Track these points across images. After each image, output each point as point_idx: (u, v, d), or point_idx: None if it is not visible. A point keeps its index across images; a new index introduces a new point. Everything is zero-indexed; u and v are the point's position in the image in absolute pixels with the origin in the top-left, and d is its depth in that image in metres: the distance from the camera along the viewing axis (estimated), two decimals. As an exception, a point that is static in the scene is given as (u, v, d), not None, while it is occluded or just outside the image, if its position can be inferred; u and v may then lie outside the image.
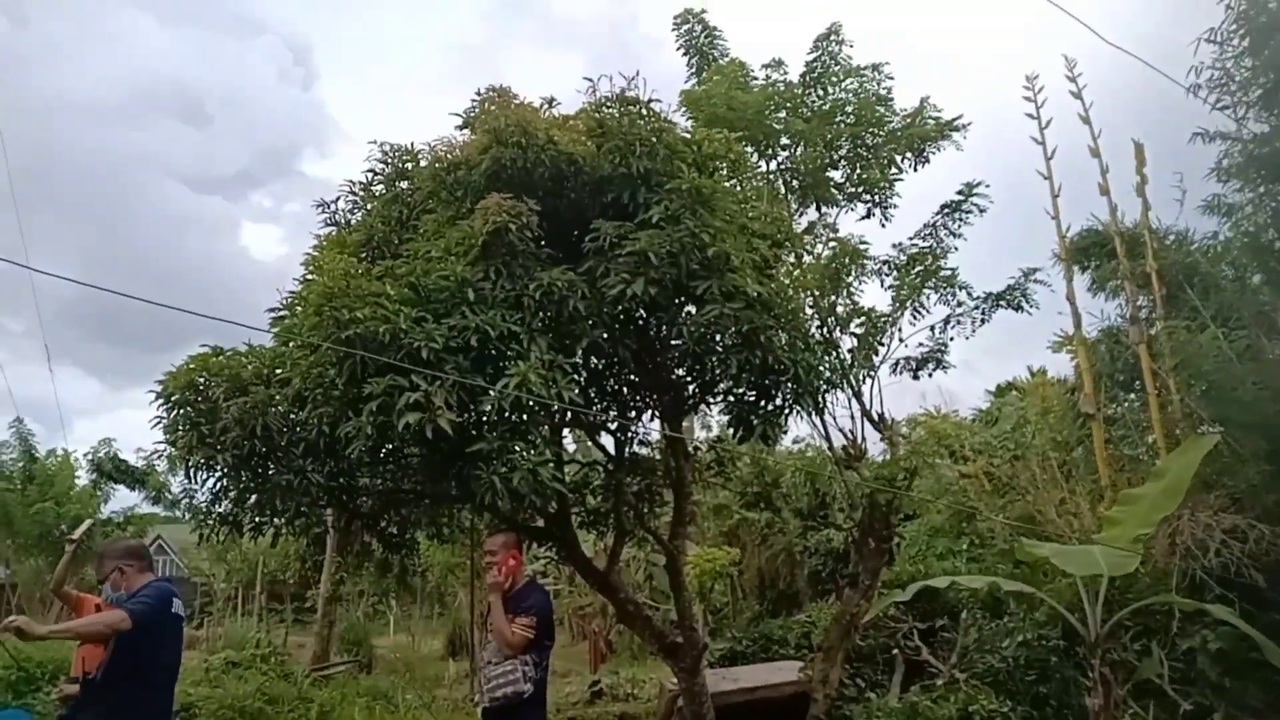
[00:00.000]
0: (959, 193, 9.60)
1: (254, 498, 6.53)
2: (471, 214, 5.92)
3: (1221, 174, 8.43)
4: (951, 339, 9.69)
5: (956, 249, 9.72)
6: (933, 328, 9.68)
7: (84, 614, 6.15)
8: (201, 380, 6.29)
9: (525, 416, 5.66)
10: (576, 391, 6.79)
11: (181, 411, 6.20)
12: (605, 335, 6.57)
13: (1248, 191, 8.37)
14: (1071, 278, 9.49)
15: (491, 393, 5.30)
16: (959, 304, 9.63)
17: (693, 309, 6.38)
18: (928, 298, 9.64)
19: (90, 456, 24.87)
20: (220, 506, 6.64)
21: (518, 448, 5.47)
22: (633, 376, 7.61)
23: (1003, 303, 9.53)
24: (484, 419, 5.46)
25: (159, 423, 6.25)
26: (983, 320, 9.61)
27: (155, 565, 4.94)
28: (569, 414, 7.23)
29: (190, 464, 6.24)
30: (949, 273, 9.62)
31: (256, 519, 6.71)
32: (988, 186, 9.53)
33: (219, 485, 6.52)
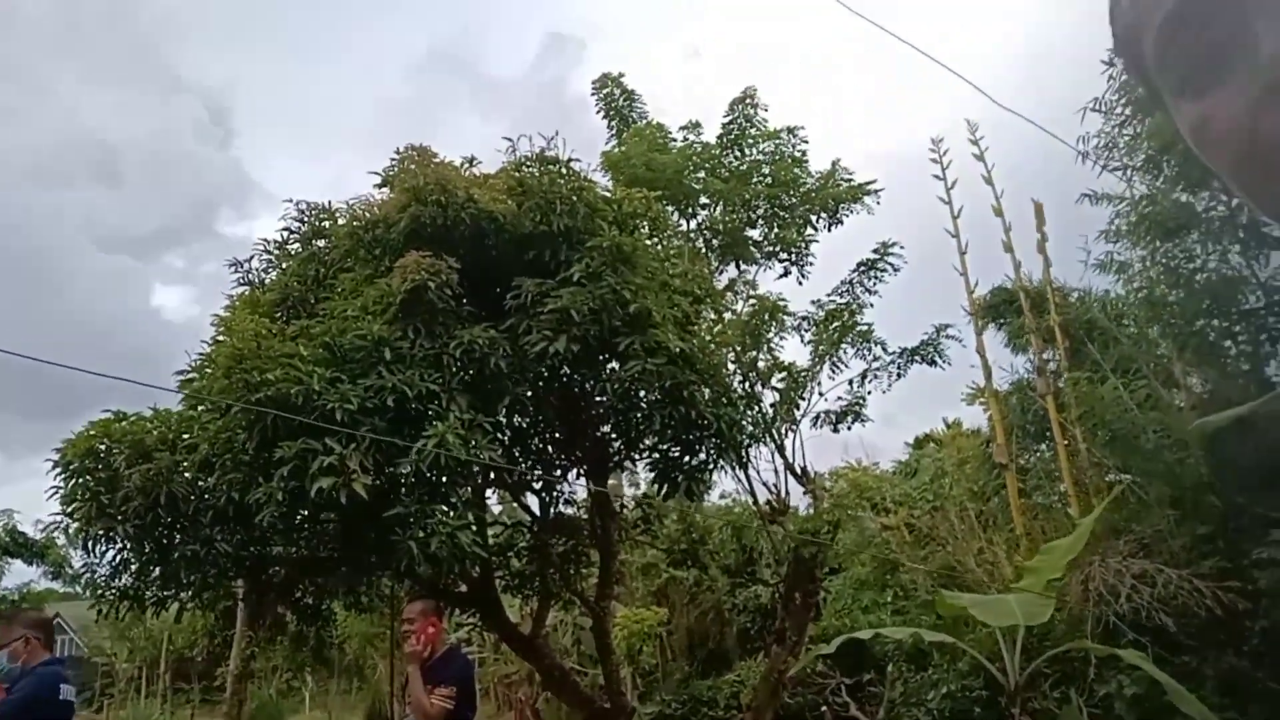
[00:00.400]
0: (874, 251, 9.90)
1: (157, 570, 6.20)
2: (390, 272, 5.85)
3: (1112, 234, 8.89)
4: (869, 393, 9.90)
5: (872, 305, 9.99)
6: (850, 382, 9.88)
7: None
8: (103, 447, 5.99)
9: (445, 478, 5.54)
10: (499, 451, 6.70)
11: (80, 480, 5.88)
12: (529, 393, 6.53)
13: (1139, 249, 8.82)
14: (981, 332, 9.84)
15: (410, 454, 5.18)
16: (875, 359, 9.86)
17: (616, 365, 6.38)
18: (845, 353, 9.85)
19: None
20: (121, 580, 6.28)
21: (437, 511, 5.32)
22: (557, 435, 7.55)
23: (917, 357, 9.80)
24: (402, 482, 5.32)
25: (56, 493, 5.91)
26: (899, 374, 9.85)
27: (55, 644, 4.61)
28: (491, 474, 7.12)
29: (89, 535, 5.90)
30: (865, 328, 9.86)
31: (160, 593, 6.37)
32: (901, 247, 9.86)
33: (119, 558, 6.18)
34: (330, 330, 5.61)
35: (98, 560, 6.24)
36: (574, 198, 6.25)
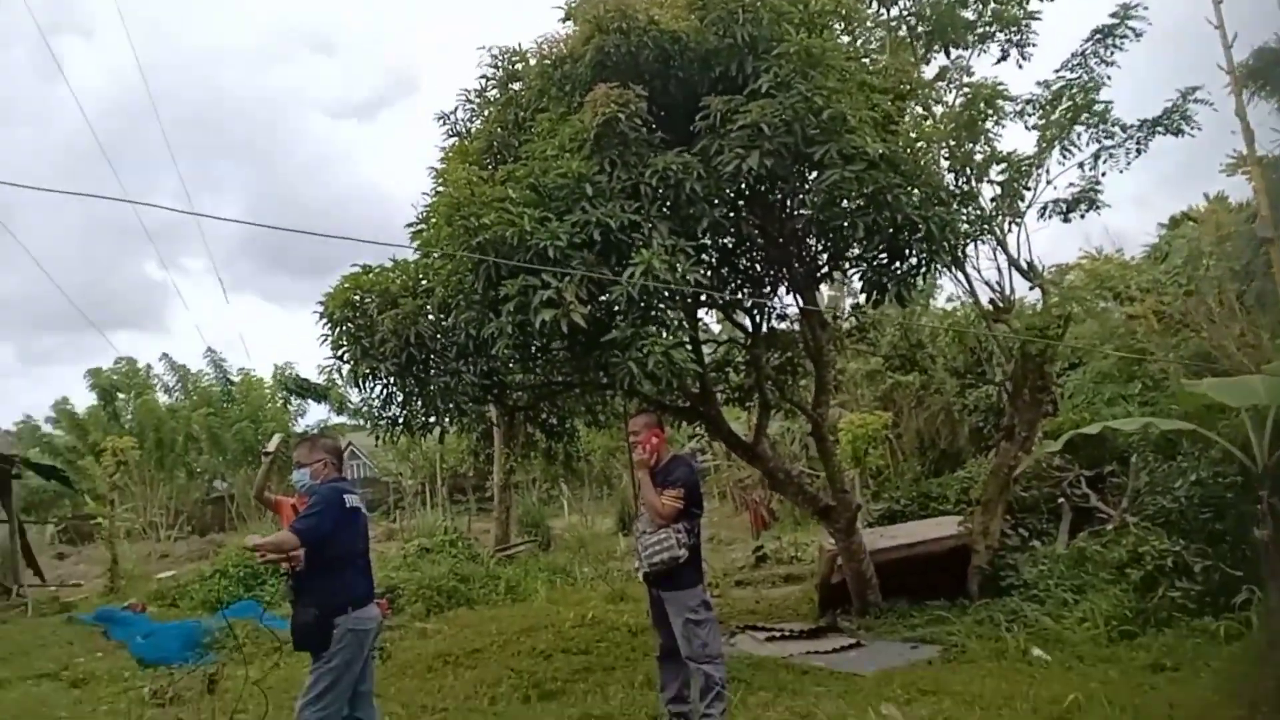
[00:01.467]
0: (1112, 15, 8.72)
1: (419, 400, 7.08)
2: (581, 108, 5.98)
3: None
4: (1104, 174, 9.00)
5: (1109, 80, 8.90)
6: (1082, 165, 9.01)
7: (282, 514, 6.98)
8: (357, 298, 6.80)
9: (655, 302, 5.82)
10: (707, 273, 6.89)
11: (343, 328, 6.74)
12: (728, 213, 6.57)
13: None
14: (1240, 91, 8.55)
15: (621, 282, 5.46)
16: (1110, 136, 8.88)
17: (814, 176, 6.26)
18: (1078, 136, 8.95)
19: (275, 376, 27.38)
20: (389, 411, 7.24)
21: (650, 334, 5.62)
22: (762, 252, 7.60)
23: (1160, 129, 8.72)
24: (616, 309, 5.63)
25: (324, 340, 6.82)
26: (1138, 151, 8.84)
27: (348, 469, 5.53)
28: (702, 295, 7.36)
29: (357, 374, 6.82)
30: (1102, 106, 8.86)
31: (423, 419, 7.28)
32: (1145, 8, 8.61)
33: (385, 392, 7.11)
34: (533, 171, 5.87)
35: (368, 395, 7.23)
36: (757, 4, 6.00)
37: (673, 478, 5.06)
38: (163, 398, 27.30)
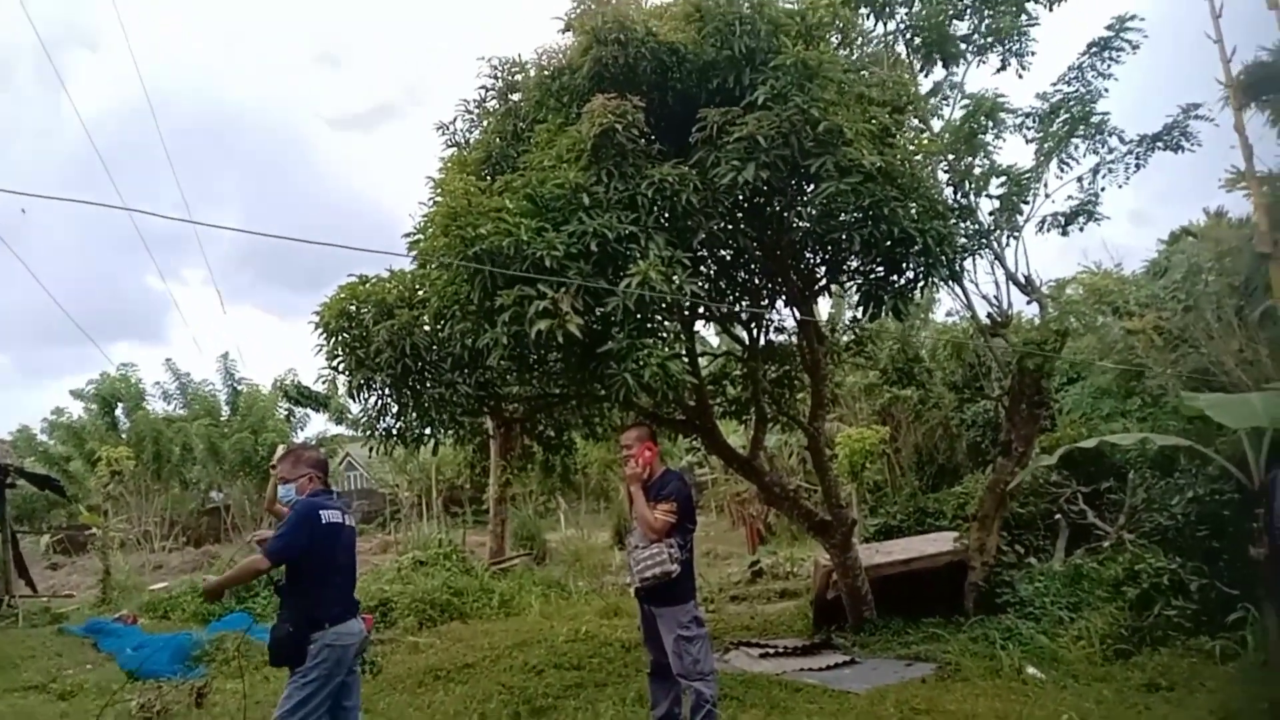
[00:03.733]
0: (1108, 28, 8.74)
1: (413, 411, 7.05)
2: (579, 119, 5.97)
3: None
4: (1103, 189, 9.00)
5: (1106, 91, 8.91)
6: (1080, 179, 9.02)
7: None
8: (353, 308, 6.78)
9: (651, 313, 5.79)
10: (704, 285, 6.87)
11: (338, 338, 6.72)
12: (725, 225, 6.56)
13: None
14: (1240, 106, 8.56)
15: (617, 292, 5.43)
16: (1110, 150, 8.89)
17: (811, 188, 6.24)
18: (1075, 148, 8.96)
19: (276, 386, 27.29)
20: (384, 422, 7.20)
21: (646, 344, 5.59)
22: (759, 265, 7.58)
23: (1160, 144, 8.73)
24: (612, 319, 5.60)
25: (319, 350, 6.80)
26: (1137, 166, 8.85)
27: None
28: (700, 308, 7.33)
29: (352, 385, 6.79)
30: (1100, 118, 8.87)
31: (417, 430, 7.24)
32: (1141, 19, 8.62)
33: (380, 403, 7.07)
34: (530, 181, 5.85)
35: (362, 405, 7.19)
36: (754, 16, 6.00)
37: (665, 491, 5.03)
38: (163, 406, 27.23)
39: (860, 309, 6.98)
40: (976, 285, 8.86)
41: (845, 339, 9.61)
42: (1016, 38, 8.78)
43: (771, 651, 7.97)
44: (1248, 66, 8.87)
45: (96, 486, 17.58)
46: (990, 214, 8.87)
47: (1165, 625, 6.60)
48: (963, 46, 8.86)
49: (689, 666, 4.86)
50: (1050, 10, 8.78)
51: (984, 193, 8.78)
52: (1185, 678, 5.90)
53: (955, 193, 8.61)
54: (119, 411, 26.31)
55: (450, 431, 7.55)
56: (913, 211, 6.27)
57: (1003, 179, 8.81)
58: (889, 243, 6.15)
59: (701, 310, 7.56)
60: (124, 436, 24.28)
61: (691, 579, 5.15)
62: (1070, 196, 9.12)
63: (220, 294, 20.16)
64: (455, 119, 7.88)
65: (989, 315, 8.96)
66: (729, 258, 7.52)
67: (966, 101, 8.85)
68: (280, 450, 6.40)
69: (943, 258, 6.53)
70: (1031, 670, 6.51)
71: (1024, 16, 8.62)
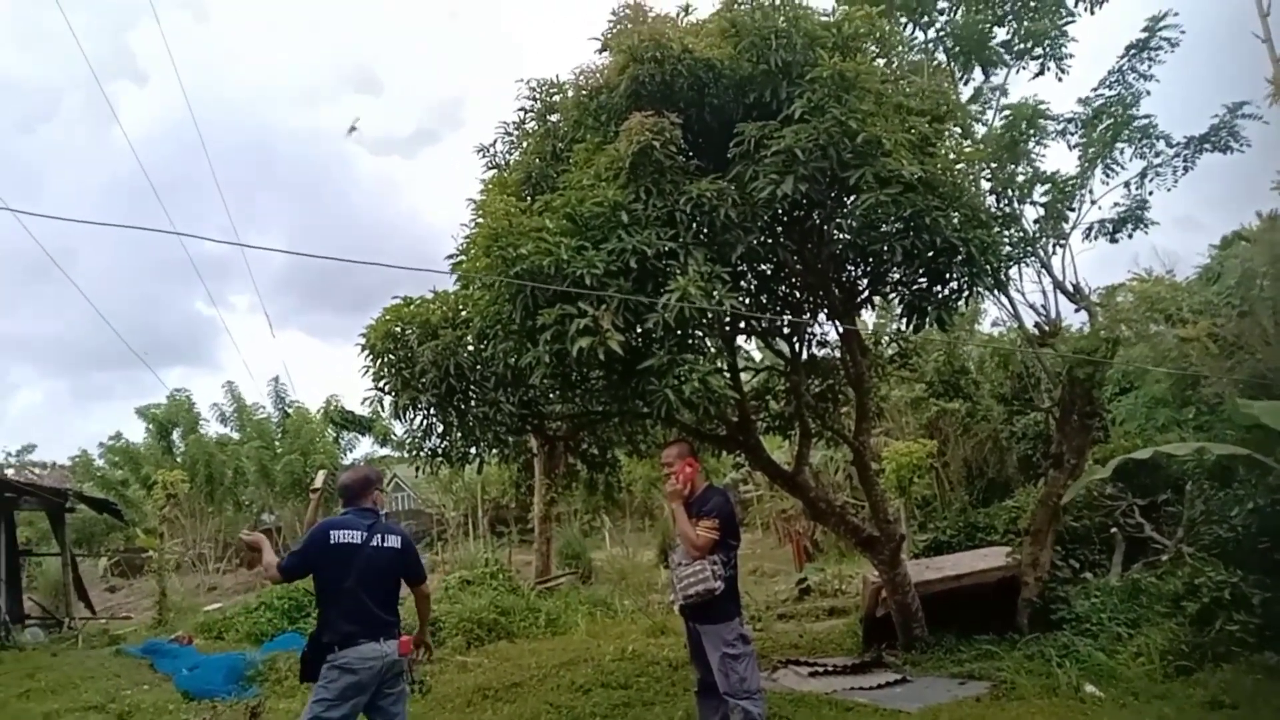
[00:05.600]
0: (1144, 29, 8.60)
1: (458, 431, 7.10)
2: (617, 137, 6.01)
3: None
4: (1151, 194, 8.82)
5: (1149, 93, 8.75)
6: (1128, 184, 8.84)
7: None
8: (398, 330, 6.87)
9: (692, 329, 5.79)
10: (744, 300, 6.85)
11: (384, 359, 6.81)
12: (764, 239, 6.54)
13: None
14: (1290, 103, 8.34)
15: (657, 308, 5.44)
16: (1157, 154, 8.72)
17: (851, 200, 6.21)
18: (1121, 153, 8.80)
19: (322, 410, 27.72)
20: (429, 441, 7.27)
21: (687, 360, 5.58)
22: (800, 279, 7.54)
23: (1208, 145, 8.53)
24: (652, 335, 5.61)
25: (366, 371, 6.89)
26: (1185, 169, 8.66)
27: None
28: (741, 323, 7.31)
29: (398, 406, 6.87)
30: (1144, 121, 8.70)
31: (462, 449, 7.30)
32: (1176, 14, 8.45)
33: (425, 423, 7.14)
34: (570, 201, 5.89)
35: (409, 426, 7.27)
36: (790, 29, 6.00)
37: (707, 508, 5.00)
38: (219, 428, 27.78)
39: (904, 320, 6.90)
40: (1023, 294, 8.74)
41: (889, 351, 9.50)
42: (1056, 40, 8.68)
43: (821, 670, 7.86)
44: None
45: (152, 510, 17.96)
46: (1035, 222, 8.74)
47: (1227, 641, 6.37)
48: (1001, 53, 8.77)
49: (735, 685, 4.81)
50: (1091, 13, 8.65)
51: (1028, 200, 8.67)
52: (1249, 695, 5.69)
53: (999, 201, 8.50)
54: (175, 435, 26.90)
55: (495, 450, 7.58)
56: (955, 221, 6.18)
57: (1047, 186, 8.68)
58: (931, 253, 6.09)
59: (742, 325, 7.54)
60: (179, 460, 24.80)
61: (736, 596, 5.11)
62: (1117, 203, 8.96)
63: (269, 317, 20.48)
64: (495, 141, 7.99)
65: (1036, 325, 8.81)
66: (769, 272, 7.49)
67: (1007, 110, 8.75)
68: (321, 474, 6.51)
69: (987, 267, 6.44)
70: (1090, 688, 6.34)
71: (1065, 16, 8.49)
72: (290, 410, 27.61)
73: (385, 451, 28.14)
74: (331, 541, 4.47)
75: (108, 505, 18.65)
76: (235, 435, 27.40)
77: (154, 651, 11.07)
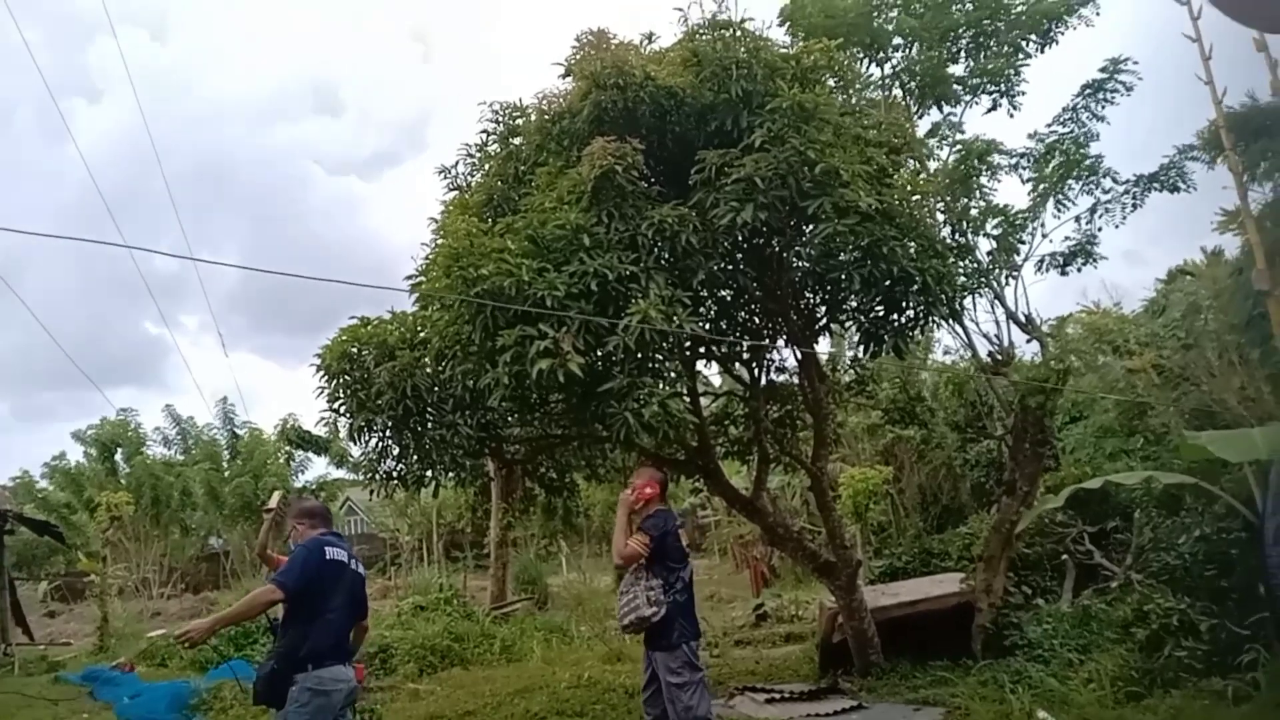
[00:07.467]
0: (1101, 70, 8.88)
1: (413, 454, 7.01)
2: (580, 161, 6.03)
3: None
4: (1099, 229, 9.09)
5: (1098, 135, 9.04)
6: (1078, 219, 9.11)
7: None
8: (354, 350, 6.79)
9: (652, 352, 5.80)
10: (705, 325, 6.88)
11: (339, 380, 6.72)
12: (725, 265, 6.59)
13: None
14: (1234, 147, 8.64)
15: (617, 331, 5.44)
16: (1106, 191, 8.99)
17: (810, 229, 6.29)
18: (1070, 188, 9.06)
19: (277, 430, 27.21)
20: (384, 464, 7.17)
21: (647, 383, 5.59)
22: (759, 305, 7.61)
23: (1156, 185, 8.82)
24: (612, 358, 5.60)
25: (321, 393, 6.79)
26: (1134, 206, 8.95)
27: (333, 521, 5.40)
28: (701, 347, 7.34)
29: (353, 427, 6.77)
30: (1093, 160, 8.98)
31: (418, 473, 7.20)
32: (1135, 63, 8.76)
33: (381, 445, 7.04)
34: (532, 223, 5.90)
35: (362, 448, 7.17)
36: (750, 60, 6.10)
37: (644, 524, 5.00)
38: (162, 451, 27.12)
39: (861, 348, 6.99)
40: (977, 324, 8.92)
41: (847, 378, 9.59)
42: (1008, 79, 8.93)
43: (778, 696, 7.84)
44: (1232, 113, 8.99)
45: (95, 532, 17.45)
46: (988, 253, 8.94)
47: (1176, 667, 6.48)
48: (958, 89, 9.00)
49: (681, 713, 4.75)
50: (1042, 53, 8.92)
51: (981, 232, 8.87)
52: (1198, 720, 5.79)
53: (953, 232, 8.68)
54: (118, 457, 26.20)
55: (451, 474, 7.50)
56: (911, 250, 6.30)
57: (999, 219, 8.89)
58: (888, 281, 6.17)
59: (702, 349, 7.57)
60: (123, 482, 24.15)
61: (680, 622, 4.96)
62: (1068, 236, 9.21)
63: (222, 336, 20.03)
64: (457, 163, 7.99)
65: (990, 354, 8.98)
66: (729, 297, 7.55)
67: (959, 145, 8.97)
68: (276, 495, 6.37)
69: (942, 296, 6.55)
70: (1043, 714, 6.38)
71: (1019, 55, 8.75)
72: (240, 431, 27.06)
73: (339, 474, 27.66)
74: (327, 557, 4.38)
75: (49, 528, 18.09)
76: (180, 457, 26.78)
77: (94, 679, 10.70)
